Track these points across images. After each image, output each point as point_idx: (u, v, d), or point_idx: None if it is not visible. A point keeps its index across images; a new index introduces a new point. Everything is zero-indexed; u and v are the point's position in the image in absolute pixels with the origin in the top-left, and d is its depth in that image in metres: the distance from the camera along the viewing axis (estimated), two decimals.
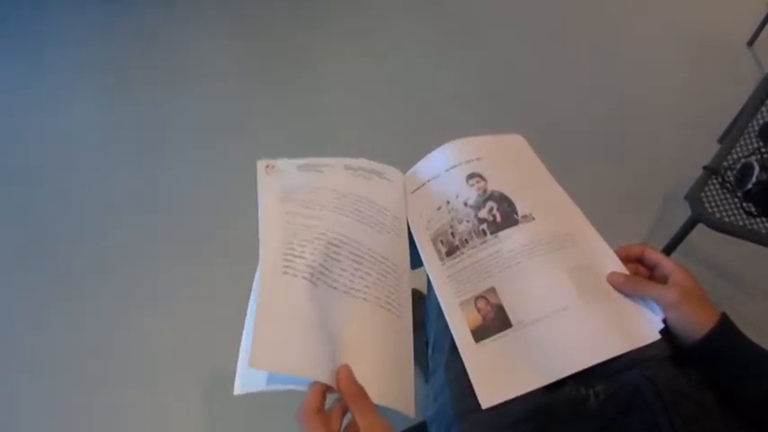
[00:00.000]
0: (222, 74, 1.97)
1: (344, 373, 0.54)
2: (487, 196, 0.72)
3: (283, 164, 0.74)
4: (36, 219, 1.56)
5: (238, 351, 0.58)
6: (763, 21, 1.97)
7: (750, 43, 2.08)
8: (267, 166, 0.73)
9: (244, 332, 0.61)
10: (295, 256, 0.60)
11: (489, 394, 0.59)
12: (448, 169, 0.76)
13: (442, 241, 0.71)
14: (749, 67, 2.03)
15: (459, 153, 0.77)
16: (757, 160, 1.10)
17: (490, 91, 1.93)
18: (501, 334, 0.63)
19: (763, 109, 1.27)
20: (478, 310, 0.65)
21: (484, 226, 0.70)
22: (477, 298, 0.65)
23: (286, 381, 0.54)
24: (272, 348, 0.53)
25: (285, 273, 0.58)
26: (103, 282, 1.44)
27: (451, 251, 0.70)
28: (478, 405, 0.59)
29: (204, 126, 1.80)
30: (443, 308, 0.66)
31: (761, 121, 1.24)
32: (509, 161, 0.79)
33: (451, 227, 0.71)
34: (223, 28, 2.14)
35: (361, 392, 0.53)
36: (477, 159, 0.76)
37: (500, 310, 0.64)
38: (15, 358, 1.32)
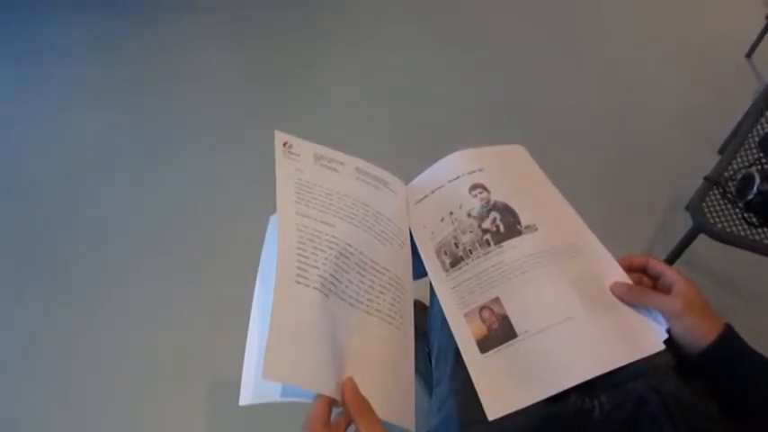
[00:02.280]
0: (222, 81, 1.99)
1: (349, 386, 0.54)
2: (491, 207, 0.73)
3: (300, 147, 0.73)
4: (37, 226, 1.57)
5: (240, 359, 0.58)
6: (761, 33, 1.99)
7: (748, 55, 2.09)
8: (285, 144, 0.72)
9: (248, 341, 0.60)
10: (308, 265, 0.60)
11: (496, 406, 0.59)
12: (451, 180, 0.77)
13: (445, 252, 0.71)
14: (748, 78, 2.04)
15: (462, 164, 0.78)
16: (758, 171, 1.11)
17: (489, 98, 1.94)
18: (506, 344, 0.63)
19: (763, 120, 1.28)
20: (483, 321, 0.65)
21: (487, 236, 0.70)
22: (481, 308, 0.66)
23: (294, 393, 0.54)
24: (285, 360, 0.53)
25: (298, 282, 0.58)
26: (104, 289, 1.44)
27: (455, 262, 0.70)
28: (484, 416, 0.59)
29: (204, 132, 1.81)
30: (448, 319, 0.66)
31: (761, 132, 1.25)
32: (511, 172, 0.79)
33: (455, 238, 0.72)
34: (223, 35, 2.16)
35: (366, 405, 0.53)
36: (480, 170, 0.77)
37: (505, 320, 0.64)
38: (14, 365, 1.32)
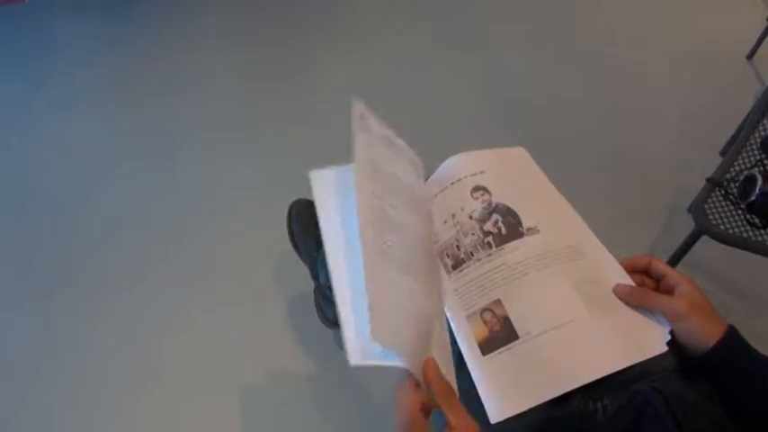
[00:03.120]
0: (222, 82, 1.99)
1: (432, 365, 0.52)
2: (492, 209, 0.73)
3: (372, 121, 0.74)
4: (39, 227, 1.57)
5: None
6: (762, 34, 1.99)
7: (750, 57, 2.09)
8: (362, 117, 0.72)
9: (339, 300, 0.58)
10: (385, 242, 0.61)
11: (498, 408, 0.59)
12: (453, 183, 0.76)
13: (448, 254, 0.71)
14: (749, 80, 2.04)
15: (463, 167, 0.78)
16: (760, 172, 1.11)
17: (489, 98, 1.94)
18: (508, 346, 0.63)
19: (765, 121, 1.28)
20: (485, 323, 0.65)
21: (489, 239, 0.70)
22: (483, 310, 0.65)
23: (392, 358, 0.52)
24: (388, 324, 0.52)
25: (382, 255, 0.59)
26: (105, 289, 1.44)
27: (458, 264, 0.70)
28: (487, 419, 0.59)
29: (205, 134, 1.81)
30: (451, 321, 0.66)
31: (762, 134, 1.25)
32: (513, 174, 0.79)
33: (457, 240, 0.72)
34: (223, 36, 2.16)
35: (451, 390, 0.51)
36: (481, 172, 0.76)
37: (506, 322, 0.64)
38: (15, 366, 1.32)
